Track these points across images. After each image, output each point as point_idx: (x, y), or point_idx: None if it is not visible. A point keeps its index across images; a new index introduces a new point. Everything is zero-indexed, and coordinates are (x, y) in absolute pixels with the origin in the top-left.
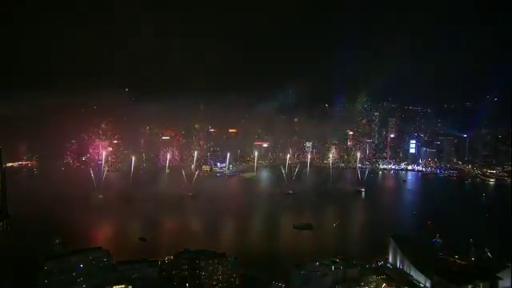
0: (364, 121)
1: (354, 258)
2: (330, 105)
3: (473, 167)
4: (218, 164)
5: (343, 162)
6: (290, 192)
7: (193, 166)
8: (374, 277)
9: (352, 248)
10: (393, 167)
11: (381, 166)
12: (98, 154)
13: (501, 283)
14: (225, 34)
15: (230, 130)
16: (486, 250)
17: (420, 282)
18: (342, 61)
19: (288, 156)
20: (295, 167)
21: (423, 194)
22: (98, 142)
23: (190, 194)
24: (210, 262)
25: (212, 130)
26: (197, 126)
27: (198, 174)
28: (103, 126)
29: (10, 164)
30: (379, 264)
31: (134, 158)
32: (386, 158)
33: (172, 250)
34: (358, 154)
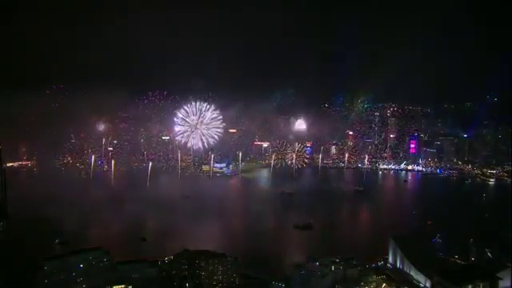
0: (363, 121)
1: (354, 258)
2: (329, 105)
3: (473, 167)
4: (218, 164)
5: (343, 162)
6: (291, 192)
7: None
8: (374, 277)
9: (352, 248)
10: (393, 167)
11: (381, 166)
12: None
13: (501, 283)
14: (224, 33)
15: (230, 130)
16: (486, 250)
17: (420, 282)
18: (342, 60)
19: (288, 156)
20: (295, 167)
21: (423, 193)
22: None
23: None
24: (210, 261)
25: None
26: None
27: (198, 174)
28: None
29: (10, 164)
30: (379, 264)
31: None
32: (386, 158)
33: (172, 250)
34: (358, 154)
